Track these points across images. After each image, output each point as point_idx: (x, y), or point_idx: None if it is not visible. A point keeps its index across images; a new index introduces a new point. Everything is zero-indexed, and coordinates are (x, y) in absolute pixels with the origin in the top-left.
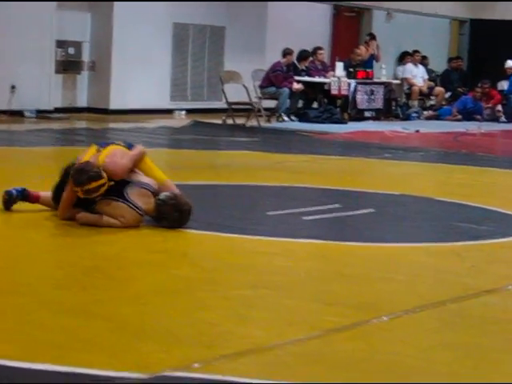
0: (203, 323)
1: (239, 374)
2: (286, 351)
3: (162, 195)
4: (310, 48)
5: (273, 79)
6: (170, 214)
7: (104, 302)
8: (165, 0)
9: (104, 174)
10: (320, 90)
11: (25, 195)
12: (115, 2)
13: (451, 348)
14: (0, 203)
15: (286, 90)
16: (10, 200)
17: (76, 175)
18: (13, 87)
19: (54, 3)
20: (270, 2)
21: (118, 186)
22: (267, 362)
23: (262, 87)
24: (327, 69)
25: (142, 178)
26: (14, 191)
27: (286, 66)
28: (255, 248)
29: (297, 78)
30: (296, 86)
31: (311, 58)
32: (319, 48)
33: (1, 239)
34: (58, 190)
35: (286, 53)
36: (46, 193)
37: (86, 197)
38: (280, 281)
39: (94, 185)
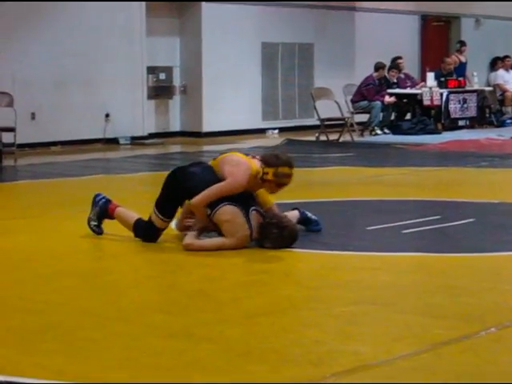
0: (310, 341)
1: None
2: (396, 367)
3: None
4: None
5: (365, 93)
6: (271, 232)
7: (209, 325)
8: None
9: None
10: (413, 102)
11: (105, 209)
12: (203, 26)
13: None
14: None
15: (378, 103)
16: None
17: (270, 157)
18: (107, 115)
19: (144, 31)
20: (357, 17)
21: (249, 202)
22: (377, 379)
23: (353, 101)
24: (412, 79)
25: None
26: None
27: (378, 80)
28: (357, 264)
29: (389, 90)
30: (388, 98)
31: (406, 71)
32: (398, 57)
33: (104, 266)
34: (163, 200)
35: (379, 67)
36: (125, 210)
37: (274, 182)
38: (384, 295)
39: (285, 170)
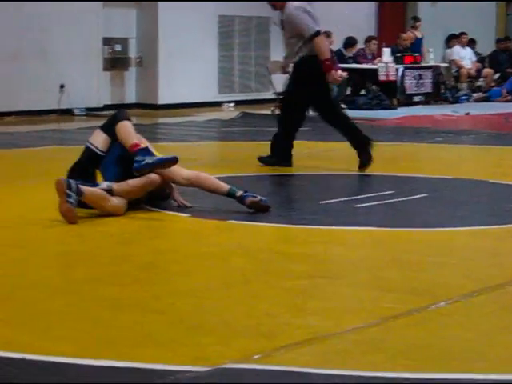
0: (261, 314)
1: (299, 364)
2: (345, 340)
3: None
4: (357, 35)
5: None
6: None
7: (161, 297)
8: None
9: None
10: (370, 77)
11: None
12: None
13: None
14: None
15: None
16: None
17: None
18: (62, 86)
19: (100, 2)
20: None
21: None
22: (327, 352)
23: None
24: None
25: None
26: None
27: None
28: (310, 237)
29: (344, 65)
30: (340, 72)
31: (363, 46)
32: (373, 38)
33: (55, 238)
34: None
35: (325, 36)
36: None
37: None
38: (336, 269)
39: None
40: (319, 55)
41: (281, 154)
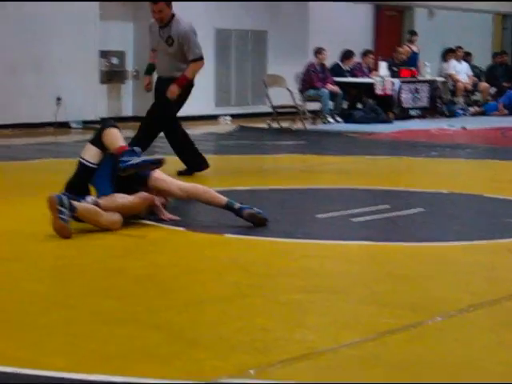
0: (257, 329)
1: (295, 379)
2: (342, 355)
3: None
4: (353, 48)
5: (308, 80)
6: None
7: (156, 311)
8: (205, 0)
9: None
10: (366, 91)
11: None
12: None
13: (508, 346)
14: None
15: (325, 92)
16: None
17: None
18: (58, 99)
19: (97, 14)
20: (311, 5)
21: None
22: (323, 367)
23: (301, 91)
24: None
25: None
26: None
27: (319, 66)
28: (306, 252)
29: (340, 78)
30: (331, 87)
31: (359, 60)
32: (370, 51)
33: (52, 251)
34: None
35: (317, 52)
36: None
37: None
38: (332, 284)
39: None
40: (186, 72)
41: (195, 161)
